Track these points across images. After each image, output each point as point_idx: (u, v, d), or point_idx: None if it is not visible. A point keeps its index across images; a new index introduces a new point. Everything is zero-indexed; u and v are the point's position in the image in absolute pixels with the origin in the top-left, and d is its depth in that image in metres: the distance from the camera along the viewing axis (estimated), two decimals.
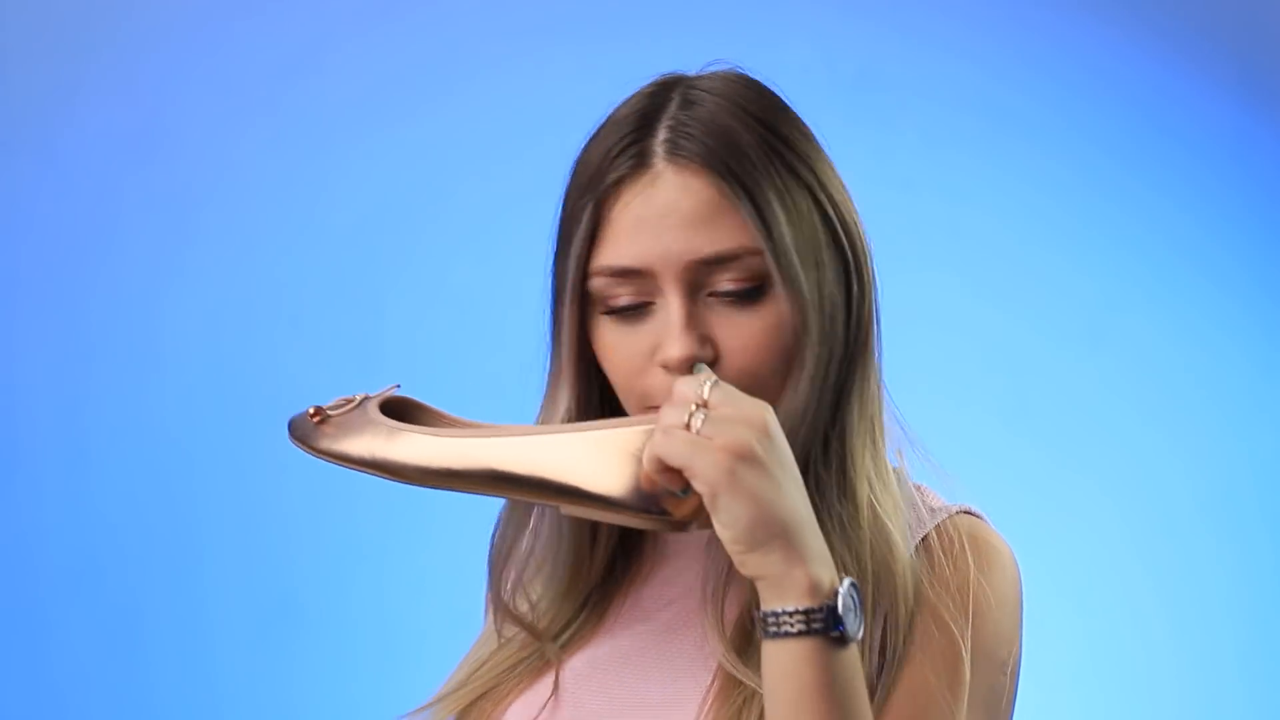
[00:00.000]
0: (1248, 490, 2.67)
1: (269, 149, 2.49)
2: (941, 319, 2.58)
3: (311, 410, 1.17)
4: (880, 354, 1.17)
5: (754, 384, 1.07)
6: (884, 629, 1.11)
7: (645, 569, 1.21)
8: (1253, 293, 2.69)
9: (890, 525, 1.12)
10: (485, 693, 1.19)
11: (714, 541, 1.17)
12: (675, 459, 1.00)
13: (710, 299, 1.11)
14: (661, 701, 1.14)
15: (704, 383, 1.02)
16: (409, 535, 2.46)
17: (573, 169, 1.15)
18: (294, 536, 2.47)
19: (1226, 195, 2.69)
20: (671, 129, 1.12)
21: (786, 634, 1.00)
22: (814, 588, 1.00)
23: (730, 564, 1.13)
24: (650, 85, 1.16)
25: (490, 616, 1.24)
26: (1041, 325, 2.64)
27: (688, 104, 1.13)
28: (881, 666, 1.10)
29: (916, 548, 1.14)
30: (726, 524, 1.00)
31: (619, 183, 1.12)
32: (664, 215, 1.10)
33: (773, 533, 0.99)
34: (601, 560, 1.20)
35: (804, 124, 1.16)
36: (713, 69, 1.17)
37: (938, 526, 1.15)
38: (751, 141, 1.11)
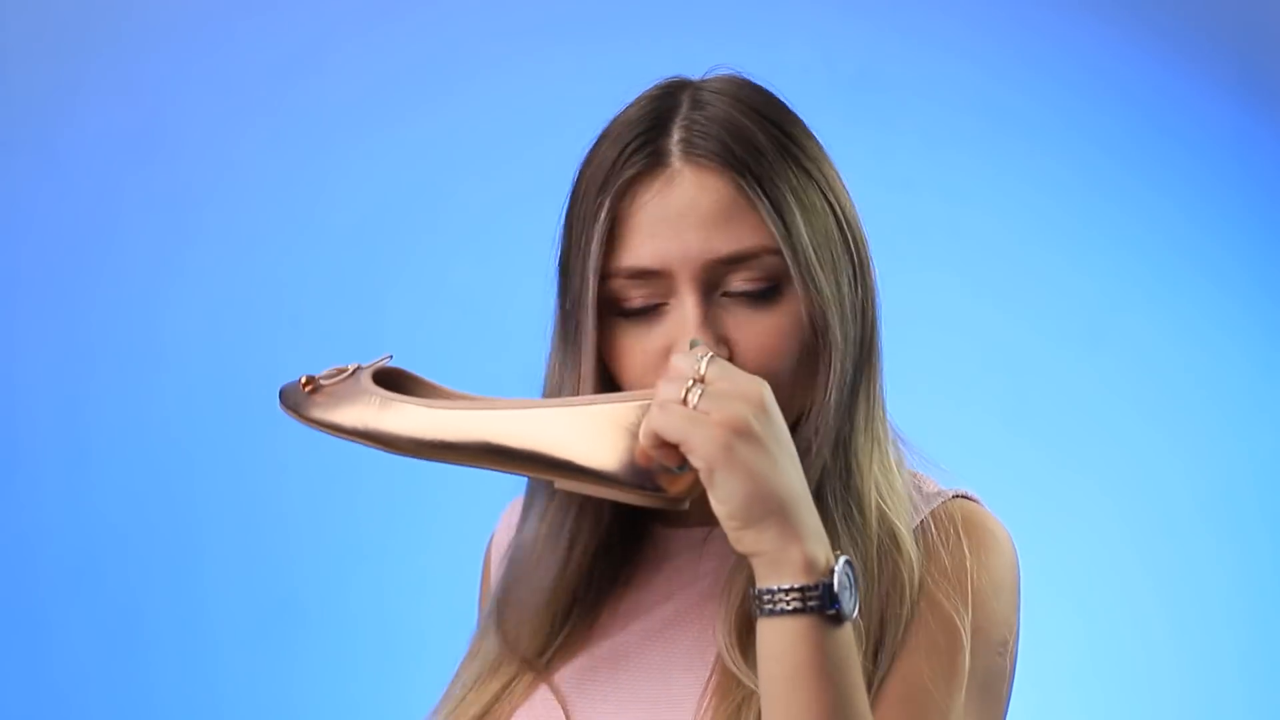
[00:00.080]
0: (1248, 490, 2.67)
1: (269, 149, 2.49)
2: (941, 319, 2.58)
3: (303, 379, 1.15)
4: (881, 355, 1.17)
5: (769, 383, 1.07)
6: (883, 625, 1.10)
7: (645, 567, 1.21)
8: (1253, 293, 2.69)
9: (897, 525, 1.13)
10: (481, 717, 1.18)
11: (715, 537, 1.17)
12: (672, 434, 1.00)
13: (725, 299, 1.11)
14: (660, 699, 1.14)
15: (701, 358, 1.02)
16: (409, 535, 2.46)
17: (580, 170, 1.15)
18: (294, 536, 2.47)
19: (1226, 195, 2.69)
20: (686, 128, 1.12)
21: (782, 611, 1.00)
22: (810, 565, 1.00)
23: (736, 559, 1.14)
24: (656, 88, 1.16)
25: (478, 629, 1.23)
26: (1041, 325, 2.64)
27: (698, 105, 1.13)
28: (877, 657, 1.10)
29: (914, 531, 1.14)
30: (722, 499, 0.99)
31: (633, 181, 1.11)
32: (682, 214, 1.10)
33: (769, 509, 0.99)
34: (579, 566, 1.19)
35: (807, 126, 1.16)
36: (716, 73, 1.17)
37: (933, 512, 1.15)
38: (766, 140, 1.11)
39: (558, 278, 1.16)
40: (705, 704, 1.12)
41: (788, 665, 1.00)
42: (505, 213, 2.39)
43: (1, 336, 2.43)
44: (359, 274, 2.49)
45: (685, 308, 1.10)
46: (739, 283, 1.10)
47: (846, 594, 1.00)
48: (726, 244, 1.10)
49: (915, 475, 1.19)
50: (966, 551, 1.13)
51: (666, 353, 1.11)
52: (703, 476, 1.00)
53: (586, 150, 1.15)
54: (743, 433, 0.99)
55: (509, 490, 1.25)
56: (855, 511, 1.12)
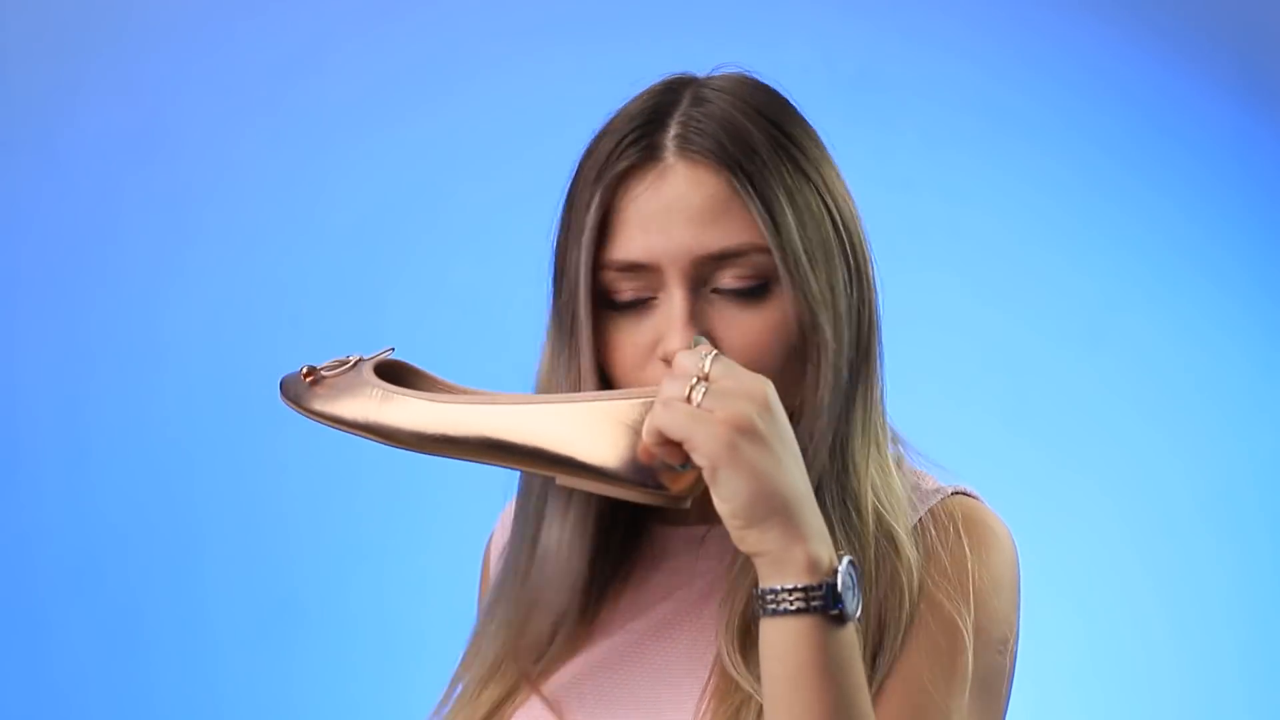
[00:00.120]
0: (1248, 490, 2.67)
1: (269, 149, 2.49)
2: (941, 319, 2.58)
3: (305, 370, 1.14)
4: (882, 359, 1.17)
5: None
6: (881, 628, 1.10)
7: (642, 564, 1.20)
8: (1253, 293, 2.69)
9: (895, 527, 1.12)
10: None
11: (713, 536, 1.17)
12: (675, 431, 1.00)
13: (714, 295, 1.11)
14: (658, 701, 1.14)
15: (705, 356, 1.01)
16: (409, 535, 2.46)
17: (579, 162, 1.15)
18: (294, 536, 2.47)
19: (1226, 195, 2.69)
20: (683, 124, 1.12)
21: (785, 611, 0.99)
22: (813, 565, 0.99)
23: (735, 560, 1.13)
24: (660, 84, 1.16)
25: (475, 631, 1.23)
26: (1041, 325, 2.64)
27: (699, 101, 1.13)
28: (875, 661, 1.10)
29: (912, 530, 1.14)
30: (725, 498, 0.99)
31: (627, 174, 1.11)
32: (673, 209, 1.10)
33: (772, 508, 0.99)
34: (577, 566, 1.17)
35: (811, 128, 1.16)
36: (722, 71, 1.17)
37: (932, 509, 1.15)
38: (763, 139, 1.11)
39: (552, 269, 1.16)
40: (704, 706, 1.11)
41: (790, 665, 1.00)
42: (505, 213, 2.38)
43: (1, 336, 2.43)
44: (359, 274, 2.49)
45: (672, 302, 1.10)
46: (728, 280, 1.10)
47: (850, 594, 1.00)
48: (716, 240, 1.10)
49: (915, 473, 1.18)
50: (966, 549, 1.13)
51: (654, 347, 1.11)
52: (706, 475, 0.99)
53: (587, 142, 1.15)
54: (747, 431, 0.99)
55: (508, 490, 1.25)
56: (853, 514, 1.11)
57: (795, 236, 1.10)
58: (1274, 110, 2.70)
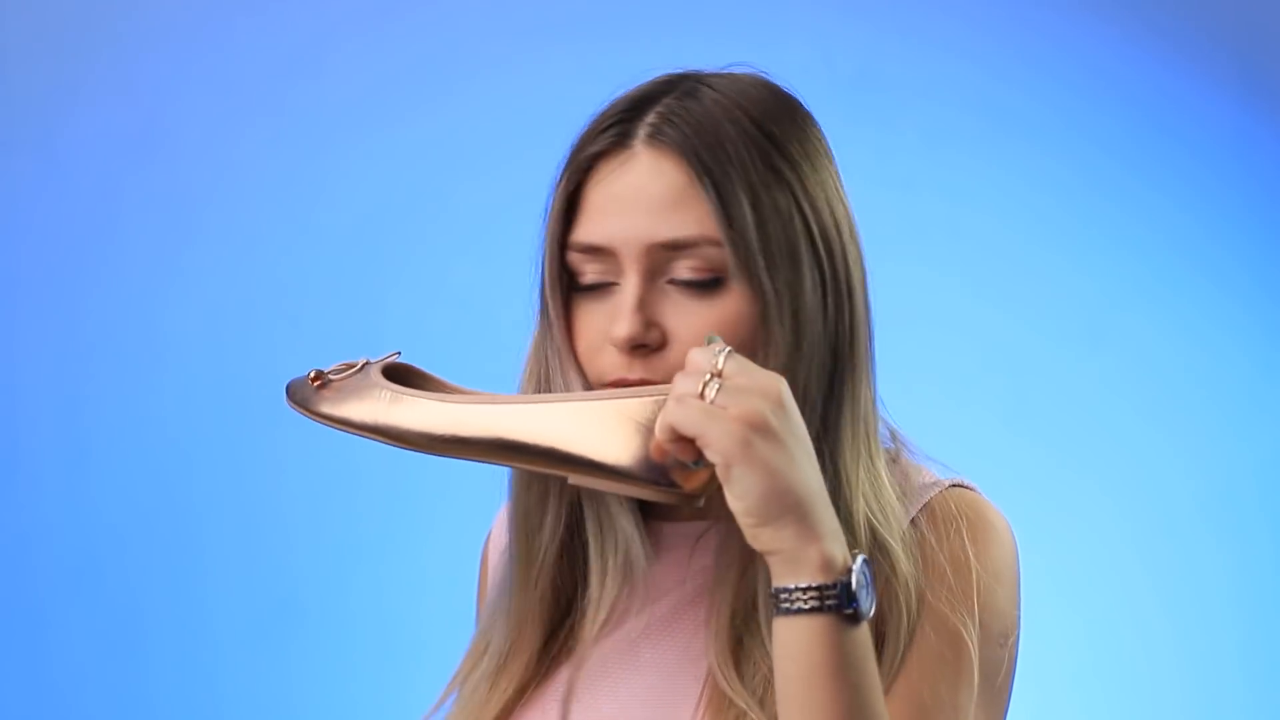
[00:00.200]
0: (1248, 490, 2.67)
1: (269, 149, 2.49)
2: (941, 319, 2.57)
3: (312, 374, 1.14)
4: (874, 366, 1.15)
5: None
6: (880, 641, 1.09)
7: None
8: (1253, 293, 2.69)
9: (891, 542, 1.11)
10: None
11: (710, 534, 1.17)
12: (689, 428, 0.99)
13: (669, 286, 1.10)
14: (657, 702, 1.13)
15: (718, 353, 1.01)
16: (409, 535, 2.46)
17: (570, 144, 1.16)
18: (294, 536, 2.46)
19: (1226, 195, 2.69)
20: (660, 115, 1.12)
21: (799, 610, 0.99)
22: (828, 564, 0.99)
23: (726, 562, 1.13)
24: (663, 76, 1.16)
25: (477, 632, 1.22)
26: (1041, 325, 2.64)
27: (687, 96, 1.13)
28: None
29: (909, 525, 1.13)
30: (739, 496, 0.98)
31: (598, 158, 1.12)
32: (632, 196, 1.10)
33: (786, 506, 0.98)
34: (576, 565, 1.18)
35: (812, 135, 1.14)
36: (732, 69, 1.17)
37: (928, 504, 1.14)
38: (734, 136, 1.10)
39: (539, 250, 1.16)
40: (700, 714, 1.11)
41: (803, 665, 0.99)
42: (505, 213, 2.37)
43: (1, 336, 2.43)
44: (359, 274, 2.49)
45: (625, 288, 1.10)
46: (682, 271, 1.10)
47: (864, 593, 0.99)
48: (669, 229, 1.09)
49: (911, 467, 1.17)
50: (966, 541, 1.12)
51: (606, 331, 1.11)
52: (719, 472, 0.99)
53: None
54: (760, 428, 0.98)
55: (507, 489, 1.24)
56: (844, 528, 1.10)
57: (751, 233, 1.09)
58: (1274, 110, 2.70)
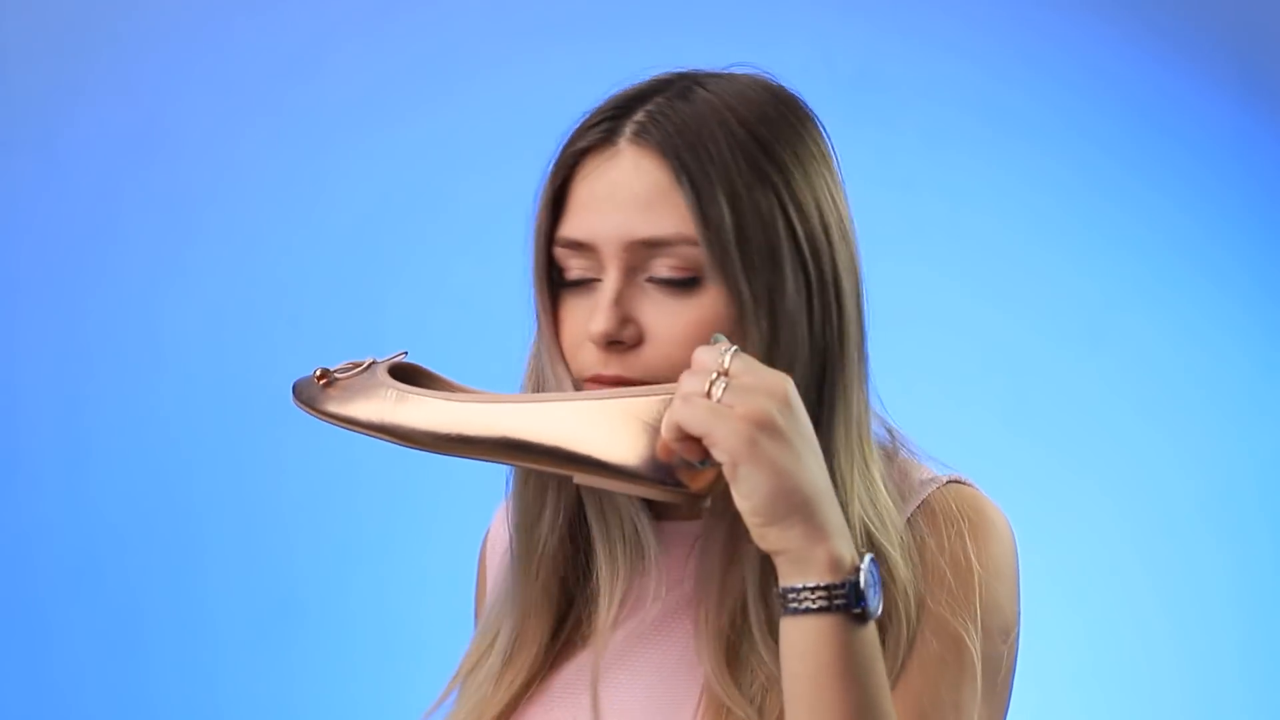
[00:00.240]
0: (1248, 490, 2.67)
1: (269, 149, 2.49)
2: (941, 319, 2.57)
3: (318, 372, 1.14)
4: (867, 370, 1.14)
5: (675, 375, 1.05)
6: (882, 648, 1.09)
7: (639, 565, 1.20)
8: (1253, 293, 2.69)
9: (888, 548, 1.10)
10: None
11: (707, 534, 1.16)
12: (695, 427, 0.99)
13: (648, 284, 1.10)
14: (656, 704, 1.13)
15: (724, 352, 1.01)
16: (409, 535, 2.46)
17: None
18: (294, 536, 2.46)
19: (1226, 195, 2.69)
20: (648, 114, 1.12)
21: (807, 610, 0.98)
22: (835, 563, 0.98)
23: (720, 566, 1.12)
24: (662, 74, 1.16)
25: (478, 632, 1.22)
26: (1041, 325, 2.64)
27: (680, 95, 1.12)
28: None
29: (907, 522, 1.12)
30: (746, 495, 0.98)
31: (584, 154, 1.13)
32: (614, 193, 1.10)
33: (793, 505, 0.98)
34: (575, 563, 1.17)
35: (809, 138, 1.13)
36: (734, 69, 1.16)
37: (925, 500, 1.14)
38: (720, 137, 1.10)
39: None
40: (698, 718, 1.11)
41: (811, 664, 0.99)
42: (505, 213, 2.37)
43: (1, 336, 2.43)
44: (359, 274, 2.49)
45: (604, 285, 1.10)
46: (661, 269, 1.10)
47: (872, 592, 0.99)
48: (647, 227, 1.09)
49: (908, 464, 1.16)
50: (964, 539, 1.11)
51: (586, 327, 1.11)
52: (726, 471, 0.98)
53: None
54: (767, 427, 0.98)
55: (507, 488, 1.24)
56: None
57: (729, 234, 1.08)
58: (1274, 110, 2.70)
